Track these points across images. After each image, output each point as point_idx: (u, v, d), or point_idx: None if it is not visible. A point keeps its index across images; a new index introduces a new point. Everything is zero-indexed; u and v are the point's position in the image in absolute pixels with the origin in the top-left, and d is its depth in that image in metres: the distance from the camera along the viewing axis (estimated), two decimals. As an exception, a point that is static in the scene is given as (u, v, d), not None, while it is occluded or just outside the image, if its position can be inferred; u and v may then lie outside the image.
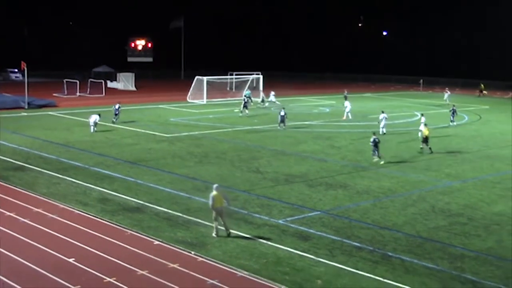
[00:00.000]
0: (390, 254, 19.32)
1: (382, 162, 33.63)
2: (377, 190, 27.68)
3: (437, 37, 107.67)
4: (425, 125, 38.82)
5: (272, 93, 65.07)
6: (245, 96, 61.79)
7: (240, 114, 54.21)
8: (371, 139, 34.26)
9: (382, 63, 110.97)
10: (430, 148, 37.19)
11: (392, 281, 17.11)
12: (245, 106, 54.91)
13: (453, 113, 51.27)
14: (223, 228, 20.81)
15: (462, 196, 26.98)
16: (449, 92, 73.39)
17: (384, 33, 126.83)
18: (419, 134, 39.21)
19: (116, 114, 47.82)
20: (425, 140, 37.17)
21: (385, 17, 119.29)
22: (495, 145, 41.13)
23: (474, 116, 58.53)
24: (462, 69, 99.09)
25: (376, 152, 33.98)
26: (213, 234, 20.65)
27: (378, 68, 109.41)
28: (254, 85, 74.41)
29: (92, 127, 43.43)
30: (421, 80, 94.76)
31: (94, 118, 43.76)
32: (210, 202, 20.75)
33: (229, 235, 20.66)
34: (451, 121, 51.03)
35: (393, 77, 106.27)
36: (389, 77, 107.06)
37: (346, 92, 67.51)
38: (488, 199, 26.63)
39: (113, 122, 47.03)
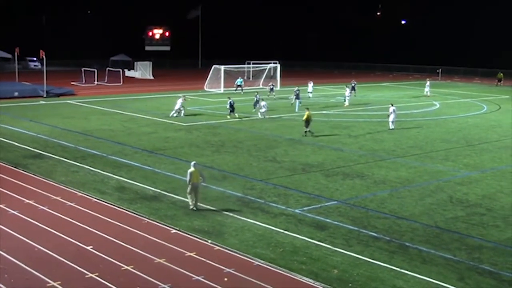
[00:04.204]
0: (407, 244, 19.24)
1: (237, 116, 44.54)
2: (395, 180, 27.55)
3: (456, 26, 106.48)
4: (307, 109, 39.44)
5: (310, 83, 62.65)
6: (236, 84, 64.10)
7: (228, 117, 45.59)
8: (228, 102, 45.41)
9: (400, 52, 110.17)
10: (310, 131, 38.39)
11: (409, 271, 17.04)
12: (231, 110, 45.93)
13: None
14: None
15: (480, 187, 26.78)
16: (428, 83, 67.69)
17: (403, 22, 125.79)
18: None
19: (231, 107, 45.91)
20: (307, 124, 38.44)
21: (403, 6, 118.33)
22: (515, 135, 40.72)
23: (493, 106, 58.00)
24: (482, 58, 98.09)
25: (232, 112, 44.83)
26: (191, 208, 22.29)
27: (397, 57, 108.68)
28: (272, 74, 74.31)
29: (177, 112, 45.35)
30: (439, 69, 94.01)
31: (180, 102, 45.63)
32: (188, 177, 22.35)
33: (196, 209, 22.22)
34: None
35: (412, 66, 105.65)
36: (407, 66, 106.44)
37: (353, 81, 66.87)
38: (507, 189, 26.38)
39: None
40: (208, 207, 22.66)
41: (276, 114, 48.13)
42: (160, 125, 42.24)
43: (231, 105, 45.40)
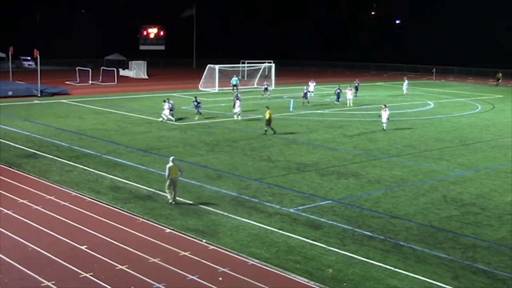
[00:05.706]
0: (401, 243, 19.27)
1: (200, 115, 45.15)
2: (389, 179, 27.59)
3: (450, 25, 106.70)
4: (267, 107, 39.59)
5: (312, 83, 62.99)
6: (231, 83, 64.38)
7: (196, 118, 45.40)
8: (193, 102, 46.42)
9: (395, 51, 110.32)
10: (272, 129, 38.67)
11: (403, 270, 17.07)
12: (197, 110, 46.46)
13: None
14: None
15: (474, 186, 26.84)
16: (407, 81, 69.56)
17: (397, 22, 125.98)
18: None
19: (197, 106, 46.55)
20: (268, 122, 38.61)
21: (398, 5, 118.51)
22: (509, 135, 40.75)
23: (487, 105, 58.13)
24: (476, 58, 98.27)
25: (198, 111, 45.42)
26: (170, 202, 22.91)
27: (391, 57, 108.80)
28: (266, 73, 74.32)
29: (165, 116, 43.52)
30: (434, 69, 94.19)
31: (167, 106, 43.87)
32: (166, 172, 22.91)
33: (174, 203, 22.82)
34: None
35: (406, 66, 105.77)
36: (402, 66, 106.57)
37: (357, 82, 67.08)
38: (501, 188, 26.48)
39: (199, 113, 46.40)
40: (202, 206, 22.64)
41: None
42: (154, 124, 42.18)
43: (198, 104, 45.94)
